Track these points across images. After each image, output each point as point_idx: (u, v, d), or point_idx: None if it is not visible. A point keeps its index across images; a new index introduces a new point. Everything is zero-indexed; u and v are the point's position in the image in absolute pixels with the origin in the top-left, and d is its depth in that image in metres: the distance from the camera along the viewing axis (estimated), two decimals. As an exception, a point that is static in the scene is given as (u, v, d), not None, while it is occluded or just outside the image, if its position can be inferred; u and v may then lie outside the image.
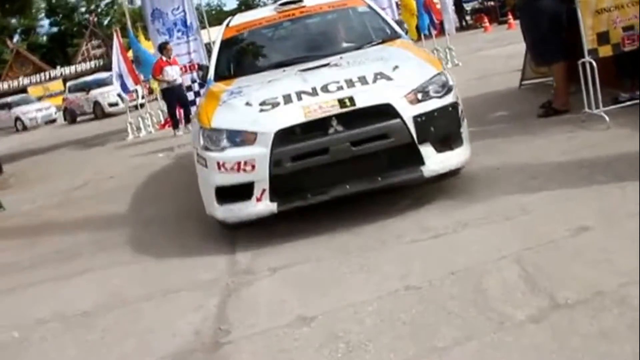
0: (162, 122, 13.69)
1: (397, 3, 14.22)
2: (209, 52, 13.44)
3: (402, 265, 3.30)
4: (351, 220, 4.05)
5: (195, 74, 13.62)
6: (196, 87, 13.63)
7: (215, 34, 6.20)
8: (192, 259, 4.16)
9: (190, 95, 13.70)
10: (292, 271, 3.60)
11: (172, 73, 11.96)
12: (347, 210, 4.15)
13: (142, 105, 14.33)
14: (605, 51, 5.05)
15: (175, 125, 12.05)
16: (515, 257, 3.08)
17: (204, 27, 14.71)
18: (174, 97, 12.11)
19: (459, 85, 4.58)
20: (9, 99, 28.88)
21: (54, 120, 26.80)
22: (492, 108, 6.86)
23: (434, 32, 12.86)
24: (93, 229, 5.63)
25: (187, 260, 4.17)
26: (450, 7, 13.64)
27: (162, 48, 12.14)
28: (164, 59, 11.98)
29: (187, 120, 11.83)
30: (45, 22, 51.53)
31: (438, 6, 13.22)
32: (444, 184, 4.23)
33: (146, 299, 3.68)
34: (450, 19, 12.27)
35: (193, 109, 13.02)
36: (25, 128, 26.13)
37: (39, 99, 31.23)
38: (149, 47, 13.38)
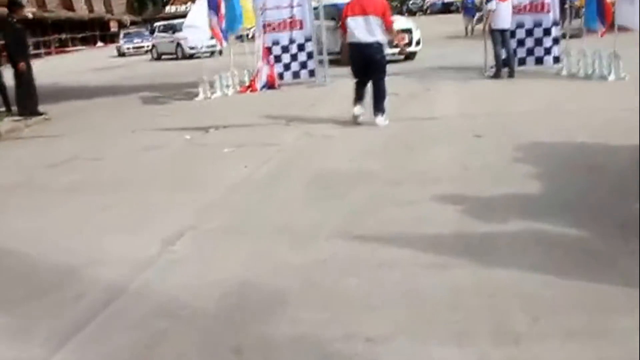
0: (247, 83, 12.89)
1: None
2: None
3: None
4: None
5: (295, 33, 12.78)
6: (294, 48, 12.74)
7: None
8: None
9: (285, 58, 12.87)
10: None
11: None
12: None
13: (220, 52, 13.64)
14: None
15: None
16: None
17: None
18: None
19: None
20: (174, 22, 30.80)
21: (220, 52, 27.77)
22: None
23: (600, 29, 10.84)
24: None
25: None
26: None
27: None
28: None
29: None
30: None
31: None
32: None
33: None
34: (629, 10, 10.07)
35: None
36: (185, 56, 26.85)
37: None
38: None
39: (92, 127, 10.62)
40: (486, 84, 11.28)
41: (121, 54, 35.34)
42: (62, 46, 45.27)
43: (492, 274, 3.67)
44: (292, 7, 12.78)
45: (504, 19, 11.56)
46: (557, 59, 12.10)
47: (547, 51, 12.21)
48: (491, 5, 11.54)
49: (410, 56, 15.50)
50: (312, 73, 12.89)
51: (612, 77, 10.55)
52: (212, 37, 12.86)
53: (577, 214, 4.47)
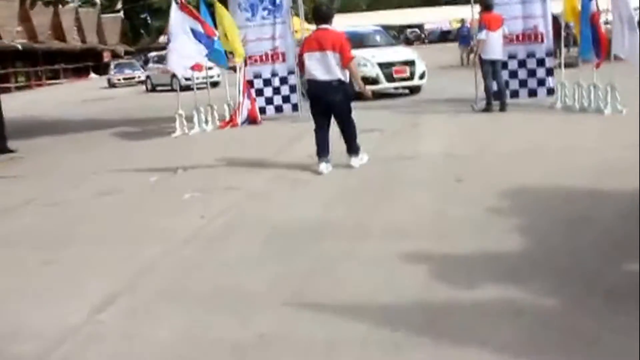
0: (227, 118, 12.45)
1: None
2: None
3: None
4: None
5: (277, 66, 12.38)
6: (276, 81, 12.31)
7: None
8: None
9: (267, 92, 12.43)
10: None
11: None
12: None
13: (215, 84, 13.13)
14: None
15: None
16: None
17: (296, 14, 13.27)
18: None
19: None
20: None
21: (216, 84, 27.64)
22: None
23: (595, 61, 10.40)
24: None
25: None
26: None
27: None
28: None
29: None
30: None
31: (607, 26, 10.74)
32: None
33: None
34: (625, 40, 9.66)
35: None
36: (181, 88, 26.64)
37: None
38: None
39: (59, 166, 10.17)
40: (476, 119, 10.83)
41: (112, 85, 34.99)
42: (54, 77, 45.09)
43: (457, 357, 3.16)
44: (274, 38, 12.39)
45: (495, 49, 11.14)
46: (551, 91, 11.67)
47: (541, 83, 11.79)
48: (481, 35, 11.11)
49: (414, 90, 15.49)
50: (295, 107, 12.45)
51: (608, 111, 10.11)
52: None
53: (559, 278, 3.97)
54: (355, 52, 13.81)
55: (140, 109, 18.77)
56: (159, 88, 28.09)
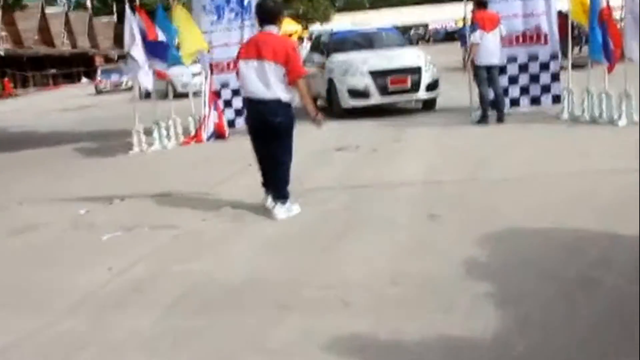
0: (192, 133, 11.36)
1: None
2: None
3: None
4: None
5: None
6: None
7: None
8: None
9: (236, 103, 11.30)
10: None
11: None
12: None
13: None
14: None
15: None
16: None
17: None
18: None
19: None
20: None
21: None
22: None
23: (606, 64, 9.23)
24: None
25: None
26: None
27: None
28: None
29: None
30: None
31: (620, 25, 9.58)
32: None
33: None
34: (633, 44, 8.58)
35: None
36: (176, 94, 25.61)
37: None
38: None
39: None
40: (468, 133, 9.65)
41: (98, 92, 33.98)
42: (44, 84, 44.24)
43: None
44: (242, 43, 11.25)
45: (491, 53, 9.99)
46: (556, 99, 10.51)
47: (545, 89, 10.64)
48: (474, 38, 9.96)
49: (427, 105, 12.60)
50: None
51: (622, 122, 8.96)
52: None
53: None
54: (343, 57, 12.75)
55: (117, 119, 17.59)
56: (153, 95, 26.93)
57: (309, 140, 9.93)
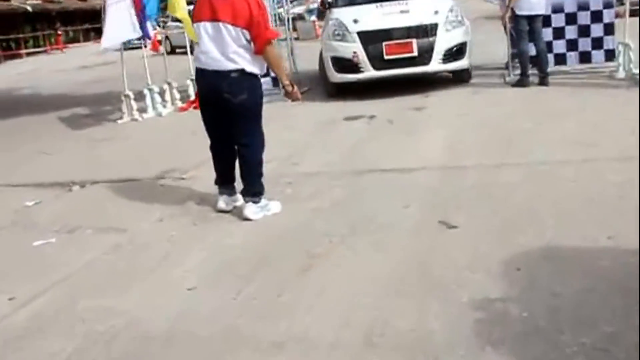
0: (191, 98, 10.14)
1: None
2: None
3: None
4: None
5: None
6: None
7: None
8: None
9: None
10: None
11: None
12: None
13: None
14: None
15: None
16: None
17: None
18: None
19: None
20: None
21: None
22: None
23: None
24: None
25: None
26: None
27: None
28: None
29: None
30: None
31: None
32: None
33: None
34: None
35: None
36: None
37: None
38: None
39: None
40: (503, 98, 8.10)
41: (127, 47, 32.78)
42: (74, 40, 43.30)
43: None
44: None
45: (533, 2, 8.41)
46: (611, 54, 8.89)
47: (597, 44, 9.00)
48: (513, -18, 8.39)
49: (457, 75, 9.41)
50: (275, 82, 9.86)
51: None
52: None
53: None
54: (338, 13, 9.30)
55: (131, 78, 16.51)
56: (178, 50, 25.83)
57: (316, 107, 8.65)
